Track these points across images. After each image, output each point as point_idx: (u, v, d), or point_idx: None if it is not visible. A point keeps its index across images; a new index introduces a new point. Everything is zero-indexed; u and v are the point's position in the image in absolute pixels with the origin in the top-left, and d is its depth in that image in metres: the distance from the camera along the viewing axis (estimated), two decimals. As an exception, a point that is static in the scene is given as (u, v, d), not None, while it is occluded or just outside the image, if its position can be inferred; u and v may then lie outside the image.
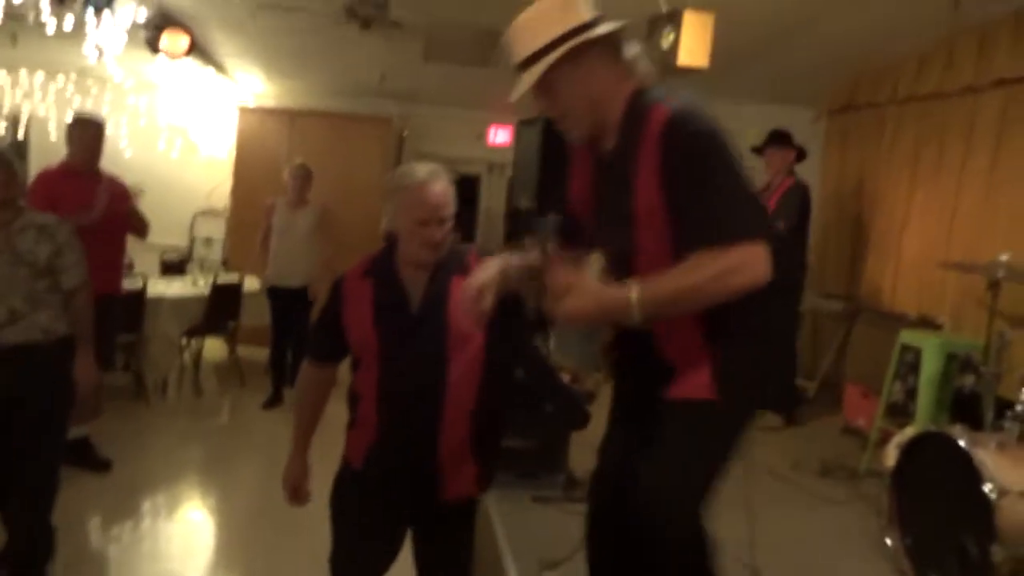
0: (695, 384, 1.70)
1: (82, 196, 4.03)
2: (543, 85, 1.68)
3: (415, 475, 2.00)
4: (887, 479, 3.25)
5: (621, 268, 1.70)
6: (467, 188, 8.80)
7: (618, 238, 1.73)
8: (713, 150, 1.58)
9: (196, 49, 5.85)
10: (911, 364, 4.48)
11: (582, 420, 3.41)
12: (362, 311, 2.01)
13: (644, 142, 1.61)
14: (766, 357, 1.77)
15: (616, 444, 2.01)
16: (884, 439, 4.00)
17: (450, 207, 2.03)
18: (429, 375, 1.95)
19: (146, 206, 4.73)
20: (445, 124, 8.23)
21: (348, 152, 7.50)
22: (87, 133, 4.20)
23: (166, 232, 6.91)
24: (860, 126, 6.54)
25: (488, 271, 1.88)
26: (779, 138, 5.34)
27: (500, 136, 8.35)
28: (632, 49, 1.71)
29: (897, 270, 5.84)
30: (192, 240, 7.90)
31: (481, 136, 8.37)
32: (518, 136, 5.84)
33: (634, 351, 1.88)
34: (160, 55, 5.65)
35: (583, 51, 1.64)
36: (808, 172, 5.87)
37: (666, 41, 4.11)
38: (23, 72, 7.47)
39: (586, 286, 1.60)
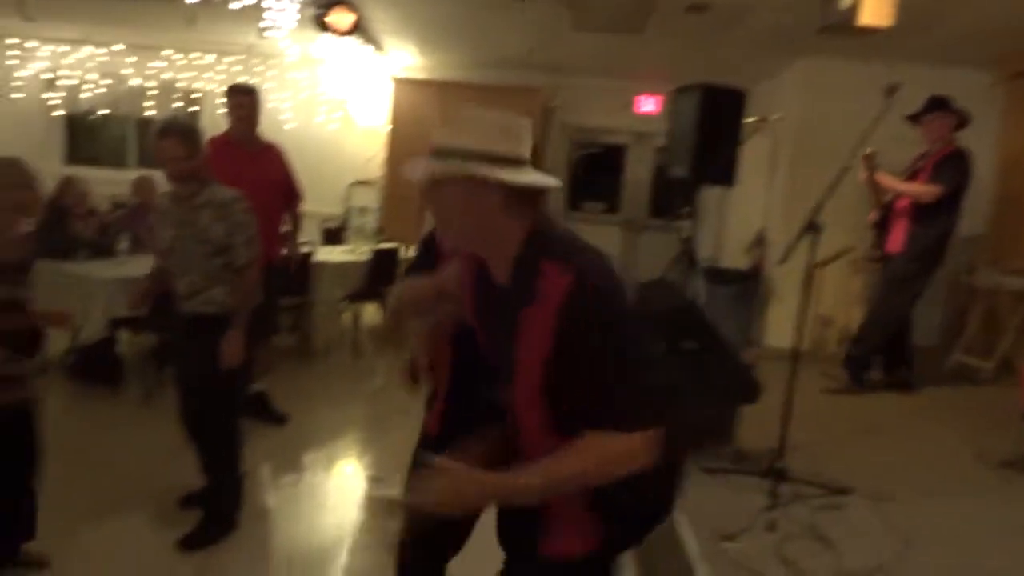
0: (569, 536, 1.64)
1: (240, 164, 4.17)
2: (435, 186, 1.56)
3: None
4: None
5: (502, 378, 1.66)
6: (613, 158, 8.73)
7: (503, 367, 1.64)
8: (616, 332, 1.48)
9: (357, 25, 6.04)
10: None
11: (753, 393, 3.34)
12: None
13: (541, 303, 1.50)
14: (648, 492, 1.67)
15: None
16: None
17: None
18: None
19: (305, 176, 4.91)
20: (592, 94, 8.18)
21: (496, 123, 7.55)
22: (242, 101, 4.37)
23: (324, 201, 7.24)
24: (1046, 89, 6.00)
25: (400, 296, 1.90)
26: (938, 104, 4.98)
27: (648, 105, 8.22)
28: (534, 181, 1.56)
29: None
30: (348, 209, 8.23)
31: (628, 105, 8.27)
32: (673, 104, 5.69)
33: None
34: (325, 32, 5.87)
35: (482, 184, 1.50)
36: (982, 140, 5.47)
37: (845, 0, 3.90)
38: (195, 53, 7.98)
39: (472, 478, 1.52)
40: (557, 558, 1.63)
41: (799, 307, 3.36)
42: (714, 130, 5.22)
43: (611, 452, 1.48)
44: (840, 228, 4.44)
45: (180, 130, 3.14)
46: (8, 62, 8.10)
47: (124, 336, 5.22)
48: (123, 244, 5.52)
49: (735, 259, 7.40)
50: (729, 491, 3.18)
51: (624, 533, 1.69)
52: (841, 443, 4.02)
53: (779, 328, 6.29)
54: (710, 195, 7.60)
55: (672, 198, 7.42)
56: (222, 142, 4.33)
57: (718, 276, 6.66)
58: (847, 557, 2.74)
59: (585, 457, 1.49)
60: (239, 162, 4.20)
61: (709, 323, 3.45)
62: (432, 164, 1.53)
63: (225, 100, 4.41)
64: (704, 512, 2.93)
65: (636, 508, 1.65)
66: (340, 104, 8.10)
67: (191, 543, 3.21)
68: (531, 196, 1.55)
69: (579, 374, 1.47)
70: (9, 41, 8.03)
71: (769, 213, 6.97)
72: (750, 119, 5.57)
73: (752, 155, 6.33)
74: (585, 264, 1.51)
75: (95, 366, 4.97)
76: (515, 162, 1.53)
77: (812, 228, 3.29)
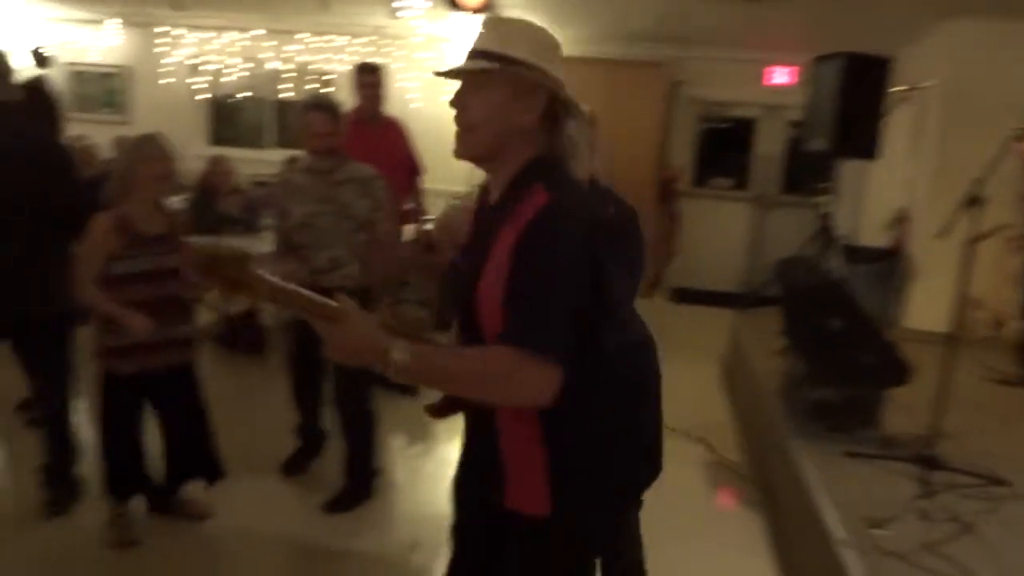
0: (527, 493, 1.58)
1: (367, 141, 4.22)
2: (471, 84, 1.54)
3: None
4: None
5: (460, 306, 1.61)
6: (742, 132, 8.46)
7: (464, 284, 1.57)
8: (561, 256, 1.42)
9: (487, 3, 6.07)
10: None
11: (902, 376, 3.18)
12: None
13: (514, 217, 1.46)
14: (613, 455, 1.57)
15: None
16: None
17: None
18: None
19: (431, 155, 4.97)
20: (720, 66, 7.93)
21: (621, 98, 7.46)
22: (370, 79, 4.46)
23: (451, 179, 7.34)
24: None
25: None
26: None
27: (780, 76, 7.90)
28: (570, 125, 1.55)
29: None
30: (473, 187, 8.30)
31: (759, 77, 7.98)
32: (813, 73, 5.46)
33: (471, 444, 1.76)
34: (455, 11, 5.93)
35: (529, 91, 1.51)
36: None
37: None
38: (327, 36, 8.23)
39: (355, 320, 1.42)
40: (521, 513, 1.58)
41: (956, 287, 3.15)
42: (856, 100, 4.98)
43: (491, 364, 1.42)
44: (994, 203, 4.14)
45: (328, 106, 3.26)
46: (158, 49, 8.61)
47: (266, 307, 5.49)
48: (267, 220, 5.77)
49: (874, 236, 7.04)
50: (876, 477, 3.04)
51: (585, 499, 1.58)
52: (999, 434, 3.77)
53: (922, 310, 5.94)
54: (848, 169, 7.24)
55: (806, 173, 7.11)
56: (350, 120, 4.41)
57: (856, 254, 6.35)
58: (1005, 555, 2.57)
59: (463, 360, 1.46)
60: (366, 138, 4.28)
61: (855, 302, 3.31)
62: (474, 62, 1.52)
63: (353, 78, 4.52)
64: (849, 497, 2.82)
65: (596, 473, 1.57)
66: (465, 82, 8.18)
67: (336, 506, 3.37)
68: (557, 119, 1.55)
69: (516, 287, 1.43)
70: (159, 30, 8.52)
71: (913, 188, 6.58)
72: (896, 88, 5.27)
73: (895, 126, 5.99)
74: (566, 191, 1.49)
75: (240, 336, 5.26)
76: (554, 80, 1.53)
77: (974, 202, 3.07)
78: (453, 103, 1.56)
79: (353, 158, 3.40)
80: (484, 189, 1.66)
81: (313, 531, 3.25)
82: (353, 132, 4.20)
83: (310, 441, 3.76)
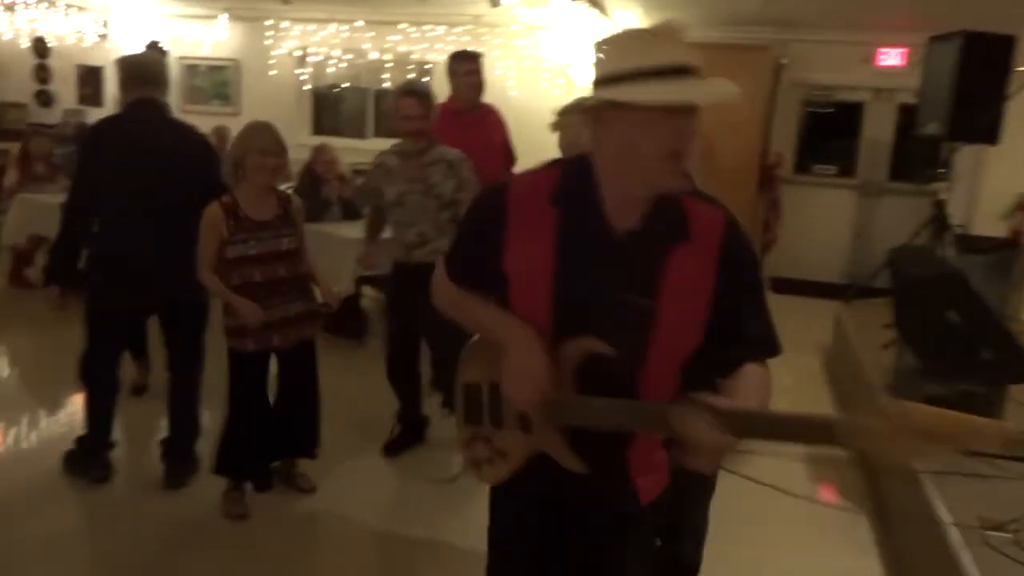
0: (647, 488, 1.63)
1: (463, 129, 4.22)
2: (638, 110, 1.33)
3: None
4: None
5: (626, 342, 1.45)
6: (848, 116, 8.15)
7: (628, 318, 1.44)
8: (759, 266, 1.52)
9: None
10: None
11: (1023, 372, 3.02)
12: None
13: (696, 240, 1.43)
14: None
15: None
16: None
17: None
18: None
19: (530, 142, 4.96)
20: (826, 49, 7.66)
21: (723, 83, 7.28)
22: (467, 67, 4.46)
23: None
24: None
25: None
26: None
27: (891, 58, 7.57)
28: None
29: None
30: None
31: (868, 59, 7.66)
32: (928, 54, 5.22)
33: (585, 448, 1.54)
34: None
35: (696, 114, 1.37)
36: None
37: None
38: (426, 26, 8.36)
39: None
40: (642, 496, 1.61)
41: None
42: (975, 82, 4.74)
43: (768, 383, 1.45)
44: None
45: (419, 91, 3.46)
46: (266, 42, 8.92)
47: (367, 292, 5.65)
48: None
49: (990, 226, 6.68)
50: (996, 476, 2.91)
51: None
52: None
53: (1044, 304, 5.62)
54: (963, 155, 6.89)
55: (917, 159, 6.81)
56: (447, 108, 4.39)
57: (970, 244, 6.05)
58: None
59: (764, 389, 1.42)
60: (463, 126, 4.30)
61: (976, 294, 3.15)
62: (721, 84, 1.35)
63: (449, 67, 4.51)
64: (966, 498, 2.71)
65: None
66: (563, 70, 8.15)
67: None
68: None
69: (739, 306, 1.46)
70: (267, 23, 8.83)
71: (1035, 175, 6.22)
72: (1021, 68, 4.98)
73: (1017, 109, 5.66)
74: (712, 203, 1.51)
75: (343, 320, 5.41)
76: None
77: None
78: (689, 136, 1.36)
79: (449, 145, 3.54)
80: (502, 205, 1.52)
81: (407, 513, 3.36)
82: (450, 120, 4.25)
83: (411, 426, 3.87)
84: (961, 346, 2.97)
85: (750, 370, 1.44)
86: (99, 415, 3.40)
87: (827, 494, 3.73)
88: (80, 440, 3.47)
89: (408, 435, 3.87)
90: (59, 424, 4.04)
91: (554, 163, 1.58)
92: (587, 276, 1.46)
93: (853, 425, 1.25)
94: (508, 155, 4.84)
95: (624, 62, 1.35)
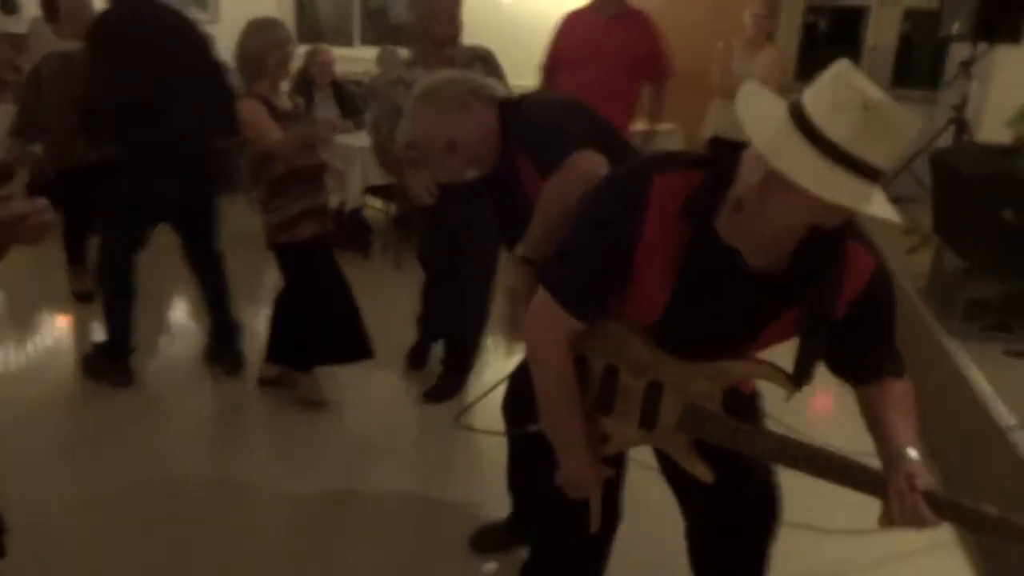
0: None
1: (595, 35, 3.85)
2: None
3: None
4: None
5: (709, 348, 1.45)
6: (847, 23, 7.95)
7: (723, 333, 1.44)
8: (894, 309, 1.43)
9: None
10: None
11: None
12: None
13: (836, 284, 1.30)
14: None
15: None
16: None
17: None
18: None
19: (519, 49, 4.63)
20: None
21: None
22: None
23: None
24: None
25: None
26: None
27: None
28: None
29: None
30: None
31: (875, -39, 7.42)
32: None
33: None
34: None
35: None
36: None
37: None
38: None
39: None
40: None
41: None
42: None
43: (912, 398, 1.46)
44: None
45: None
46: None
47: (372, 203, 5.47)
48: (369, 114, 5.67)
49: (995, 133, 6.61)
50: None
51: None
52: None
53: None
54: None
55: (923, 64, 6.67)
56: (576, 14, 3.98)
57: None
58: None
59: (911, 410, 1.43)
60: (594, 33, 3.85)
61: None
62: (873, 193, 1.14)
63: None
64: (1017, 395, 2.68)
65: None
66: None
67: (437, 395, 3.45)
68: None
69: (868, 340, 1.42)
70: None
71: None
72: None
73: None
74: (870, 243, 1.35)
75: (347, 231, 5.25)
76: None
77: None
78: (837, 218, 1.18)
79: (577, 55, 3.49)
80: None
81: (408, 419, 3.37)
82: (580, 27, 3.89)
83: (431, 328, 3.73)
84: (1016, 243, 2.91)
85: (901, 388, 1.45)
86: (122, 319, 3.37)
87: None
88: (99, 346, 3.43)
89: (427, 340, 3.74)
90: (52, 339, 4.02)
91: (701, 161, 1.37)
92: (704, 312, 1.38)
93: None
94: (659, 68, 4.05)
95: (834, 125, 1.14)
